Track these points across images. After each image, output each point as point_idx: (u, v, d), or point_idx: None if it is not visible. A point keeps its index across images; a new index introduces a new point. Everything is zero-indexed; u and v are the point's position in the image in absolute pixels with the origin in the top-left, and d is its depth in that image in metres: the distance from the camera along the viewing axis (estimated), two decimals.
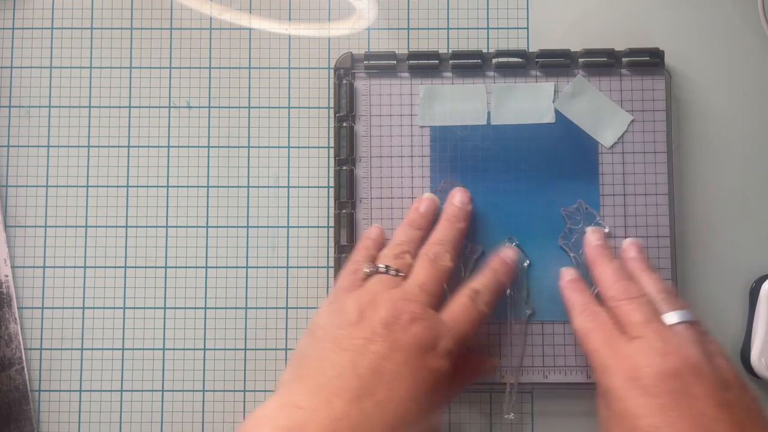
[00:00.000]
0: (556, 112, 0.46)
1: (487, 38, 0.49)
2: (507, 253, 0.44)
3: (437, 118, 0.47)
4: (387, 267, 0.40)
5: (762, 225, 0.47)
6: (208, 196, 0.48)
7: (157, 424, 0.47)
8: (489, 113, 0.47)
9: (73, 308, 0.48)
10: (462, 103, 0.47)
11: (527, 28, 0.49)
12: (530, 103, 0.47)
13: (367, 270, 0.41)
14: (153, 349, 0.47)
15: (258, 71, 0.49)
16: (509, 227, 0.46)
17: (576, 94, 0.46)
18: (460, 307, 0.39)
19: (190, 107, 0.49)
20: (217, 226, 0.48)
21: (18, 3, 0.49)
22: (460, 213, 0.44)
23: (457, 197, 0.44)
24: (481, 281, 0.41)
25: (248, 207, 0.48)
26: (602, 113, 0.46)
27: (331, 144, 0.48)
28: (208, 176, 0.48)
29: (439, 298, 0.40)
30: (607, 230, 0.46)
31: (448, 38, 0.49)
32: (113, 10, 0.49)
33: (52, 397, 0.47)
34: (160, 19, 0.49)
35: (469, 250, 0.46)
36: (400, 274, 0.40)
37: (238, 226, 0.48)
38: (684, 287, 0.47)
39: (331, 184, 0.48)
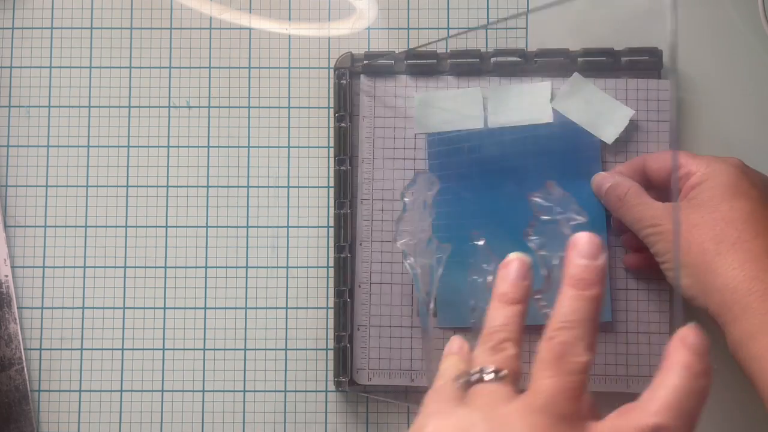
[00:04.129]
0: (555, 111, 0.46)
1: (486, 38, 0.49)
2: (699, 348, 0.26)
3: (433, 125, 0.46)
4: (482, 370, 0.28)
5: None
6: (208, 196, 0.48)
7: (157, 424, 0.47)
8: (485, 117, 0.46)
9: (73, 308, 0.48)
10: (458, 108, 0.46)
11: (526, 28, 0.49)
12: (527, 103, 0.46)
13: (460, 380, 0.29)
14: (153, 349, 0.47)
15: (258, 71, 0.49)
16: (509, 228, 0.44)
17: (574, 92, 0.46)
18: None
19: (190, 107, 0.49)
20: (217, 226, 0.48)
21: (18, 3, 0.49)
22: (590, 273, 0.29)
23: (584, 245, 0.29)
24: (672, 404, 0.25)
25: (248, 207, 0.48)
26: (602, 110, 0.46)
27: (331, 144, 0.48)
28: (208, 176, 0.48)
29: (577, 414, 0.27)
30: (584, 220, 0.41)
31: (447, 38, 0.49)
32: (113, 10, 0.49)
33: (52, 397, 0.47)
34: (160, 19, 0.49)
35: (438, 250, 0.42)
36: (503, 376, 0.28)
37: (238, 226, 0.48)
38: None
39: (331, 184, 0.48)
